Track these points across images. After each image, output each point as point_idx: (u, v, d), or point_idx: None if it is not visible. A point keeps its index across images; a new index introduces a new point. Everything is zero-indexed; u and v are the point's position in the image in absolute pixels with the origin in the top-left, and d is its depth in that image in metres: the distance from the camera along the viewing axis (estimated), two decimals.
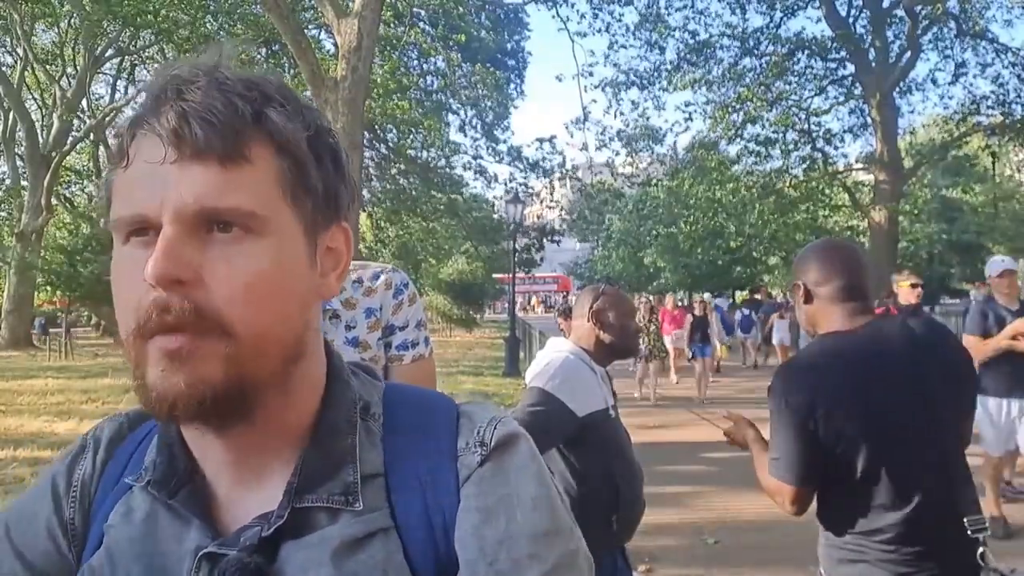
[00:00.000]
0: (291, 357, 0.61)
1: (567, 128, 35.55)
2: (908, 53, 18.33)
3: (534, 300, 60.25)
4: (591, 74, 30.37)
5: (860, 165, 20.68)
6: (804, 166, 20.04)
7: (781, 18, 19.85)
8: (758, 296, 19.24)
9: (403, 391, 0.73)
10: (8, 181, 26.63)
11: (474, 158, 22.10)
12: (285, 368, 0.61)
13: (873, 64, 18.47)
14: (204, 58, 0.61)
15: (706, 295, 15.21)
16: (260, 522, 0.61)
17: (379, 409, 0.68)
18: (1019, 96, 18.29)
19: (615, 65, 20.32)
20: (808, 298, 1.79)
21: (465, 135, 22.42)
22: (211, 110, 0.56)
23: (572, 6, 19.51)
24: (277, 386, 0.61)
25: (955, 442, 1.69)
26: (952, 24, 18.37)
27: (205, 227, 0.56)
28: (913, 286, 6.43)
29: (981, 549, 1.56)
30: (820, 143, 19.77)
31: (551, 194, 22.73)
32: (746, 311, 16.31)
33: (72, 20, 21.53)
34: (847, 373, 1.65)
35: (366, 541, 0.60)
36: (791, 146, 19.75)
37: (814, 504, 1.77)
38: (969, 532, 1.58)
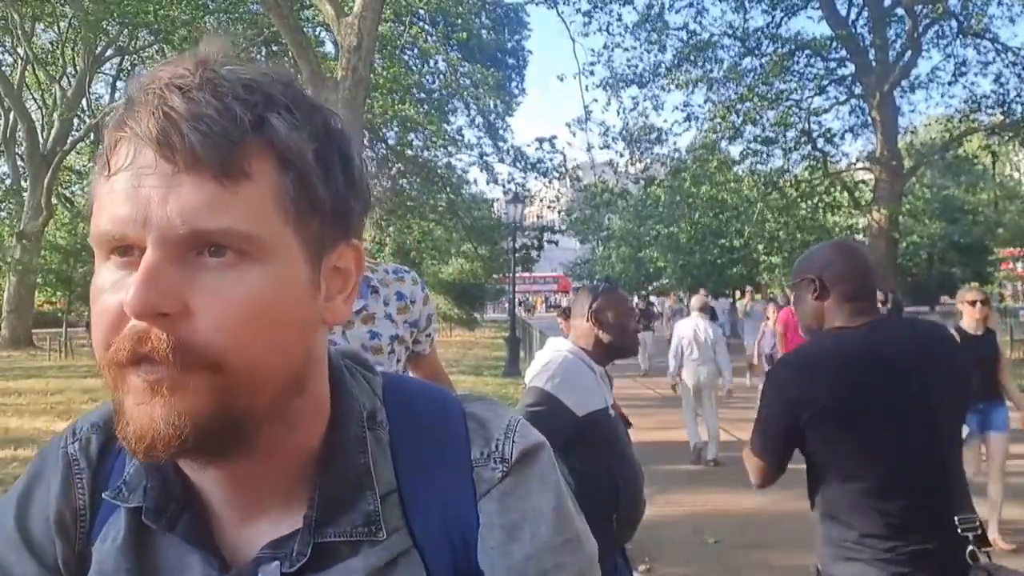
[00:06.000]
0: (290, 389, 0.56)
1: (569, 127, 35.45)
2: (909, 52, 18.30)
3: (533, 299, 59.21)
4: (592, 73, 30.26)
5: (861, 164, 20.66)
6: (804, 165, 20.03)
7: (782, 18, 19.86)
8: (758, 296, 19.19)
9: (402, 387, 0.69)
10: (8, 181, 26.63)
11: (480, 156, 22.07)
12: (285, 400, 0.56)
13: (873, 63, 18.44)
14: (201, 52, 0.53)
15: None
16: (274, 552, 0.58)
17: (383, 414, 0.64)
18: (1020, 95, 18.27)
19: (611, 68, 20.22)
20: (823, 294, 1.81)
21: (463, 137, 22.39)
22: (203, 117, 0.49)
23: (572, 5, 19.36)
24: (276, 418, 0.56)
25: (949, 441, 1.72)
26: (953, 23, 18.34)
27: (195, 250, 0.50)
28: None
29: (970, 547, 1.59)
30: (820, 143, 19.77)
31: (557, 190, 22.67)
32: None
33: (72, 20, 21.53)
34: (848, 369, 1.69)
35: (389, 568, 0.59)
36: (791, 145, 19.74)
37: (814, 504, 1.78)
38: (959, 530, 1.60)
